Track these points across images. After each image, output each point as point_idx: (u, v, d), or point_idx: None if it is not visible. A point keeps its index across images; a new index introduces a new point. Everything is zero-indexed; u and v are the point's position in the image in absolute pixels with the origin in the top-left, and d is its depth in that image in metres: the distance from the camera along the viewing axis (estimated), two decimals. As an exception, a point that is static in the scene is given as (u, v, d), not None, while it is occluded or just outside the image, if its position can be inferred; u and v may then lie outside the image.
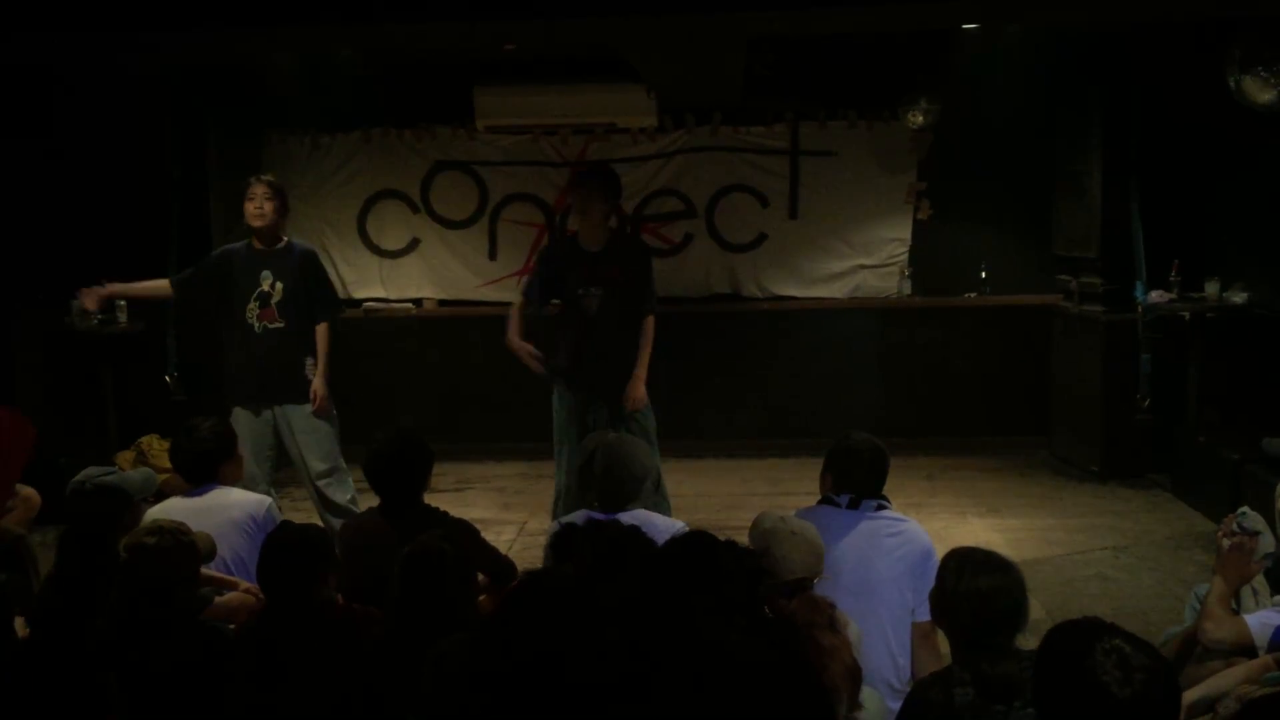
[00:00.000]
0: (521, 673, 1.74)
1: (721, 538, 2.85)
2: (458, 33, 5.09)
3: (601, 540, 3.02)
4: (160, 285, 5.84)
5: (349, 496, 5.68)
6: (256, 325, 5.57)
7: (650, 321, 5.68)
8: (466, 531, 4.04)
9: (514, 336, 5.71)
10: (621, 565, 2.80)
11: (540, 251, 6.34)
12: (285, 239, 5.69)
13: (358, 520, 4.29)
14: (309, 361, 5.64)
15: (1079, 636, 2.20)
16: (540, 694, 1.72)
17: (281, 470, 6.02)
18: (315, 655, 3.06)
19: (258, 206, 5.55)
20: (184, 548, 3.32)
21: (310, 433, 5.62)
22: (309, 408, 5.61)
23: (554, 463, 5.79)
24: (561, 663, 1.74)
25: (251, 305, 5.57)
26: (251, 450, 5.47)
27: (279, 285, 5.57)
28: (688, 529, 3.66)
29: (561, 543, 3.18)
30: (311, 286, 5.67)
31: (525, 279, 5.99)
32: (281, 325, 5.59)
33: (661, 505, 5.58)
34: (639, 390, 5.57)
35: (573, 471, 5.43)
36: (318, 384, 5.59)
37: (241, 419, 5.56)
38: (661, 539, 3.05)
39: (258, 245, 5.63)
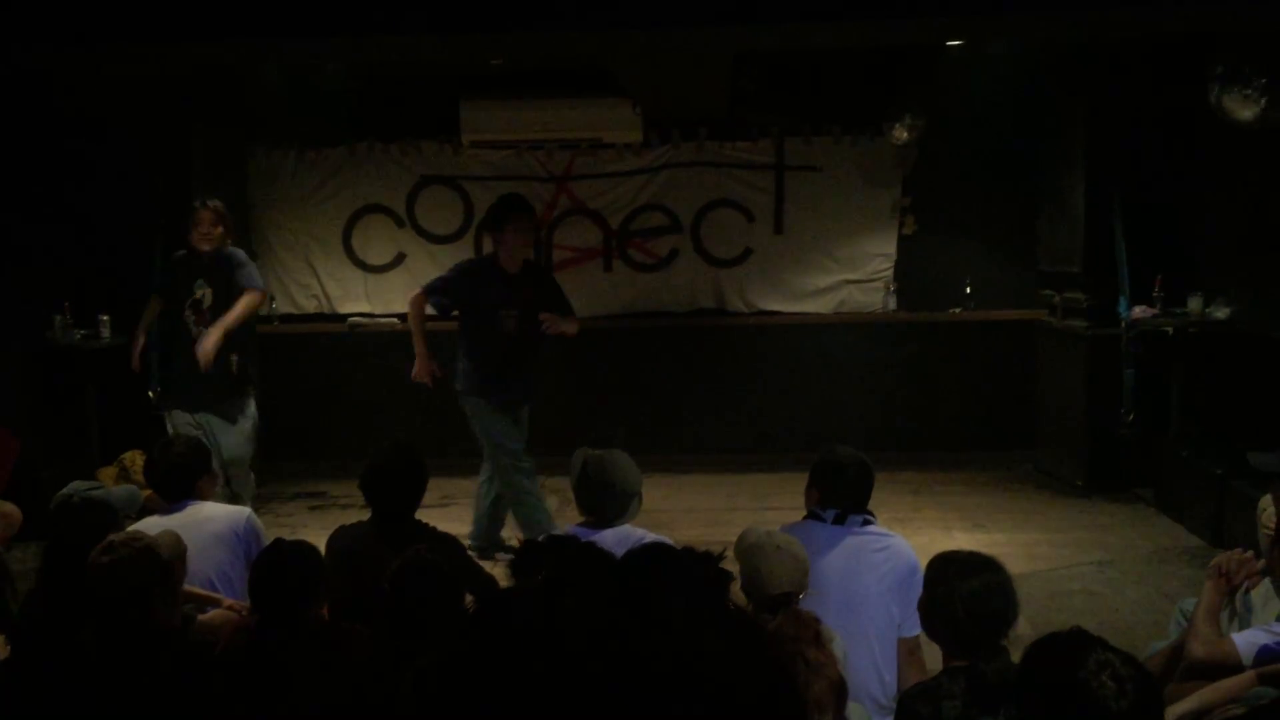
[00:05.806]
0: (494, 688, 1.74)
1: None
2: (446, 45, 5.09)
3: (561, 555, 3.02)
4: (153, 308, 6.13)
5: (251, 495, 5.96)
6: (194, 331, 5.81)
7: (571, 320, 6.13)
8: (454, 547, 4.03)
9: (424, 347, 6.14)
10: (582, 577, 2.80)
11: (460, 264, 6.40)
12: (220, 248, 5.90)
13: (349, 532, 4.27)
14: (235, 359, 5.85)
15: (1068, 649, 2.21)
16: (515, 707, 1.72)
17: (265, 486, 6.00)
18: (304, 673, 3.04)
19: (204, 231, 5.85)
20: (142, 554, 3.24)
21: (226, 433, 5.84)
22: (235, 411, 5.87)
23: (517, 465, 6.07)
24: (533, 676, 1.74)
25: (187, 313, 5.84)
26: None
27: (209, 293, 5.82)
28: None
29: (523, 560, 3.18)
30: (239, 283, 5.85)
31: (435, 279, 6.20)
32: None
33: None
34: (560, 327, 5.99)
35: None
36: (208, 341, 5.68)
37: (179, 422, 5.84)
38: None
39: (196, 252, 5.88)
